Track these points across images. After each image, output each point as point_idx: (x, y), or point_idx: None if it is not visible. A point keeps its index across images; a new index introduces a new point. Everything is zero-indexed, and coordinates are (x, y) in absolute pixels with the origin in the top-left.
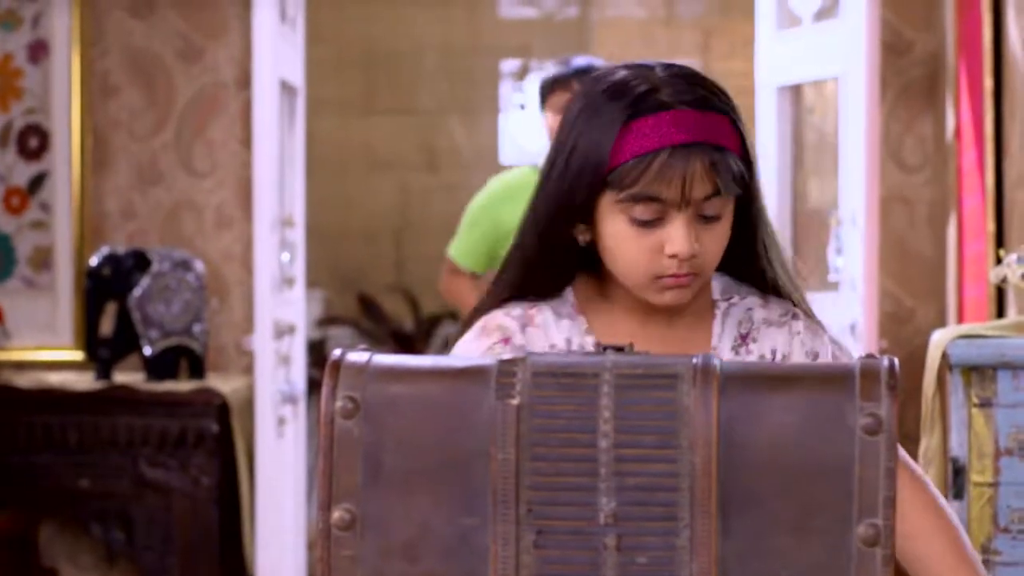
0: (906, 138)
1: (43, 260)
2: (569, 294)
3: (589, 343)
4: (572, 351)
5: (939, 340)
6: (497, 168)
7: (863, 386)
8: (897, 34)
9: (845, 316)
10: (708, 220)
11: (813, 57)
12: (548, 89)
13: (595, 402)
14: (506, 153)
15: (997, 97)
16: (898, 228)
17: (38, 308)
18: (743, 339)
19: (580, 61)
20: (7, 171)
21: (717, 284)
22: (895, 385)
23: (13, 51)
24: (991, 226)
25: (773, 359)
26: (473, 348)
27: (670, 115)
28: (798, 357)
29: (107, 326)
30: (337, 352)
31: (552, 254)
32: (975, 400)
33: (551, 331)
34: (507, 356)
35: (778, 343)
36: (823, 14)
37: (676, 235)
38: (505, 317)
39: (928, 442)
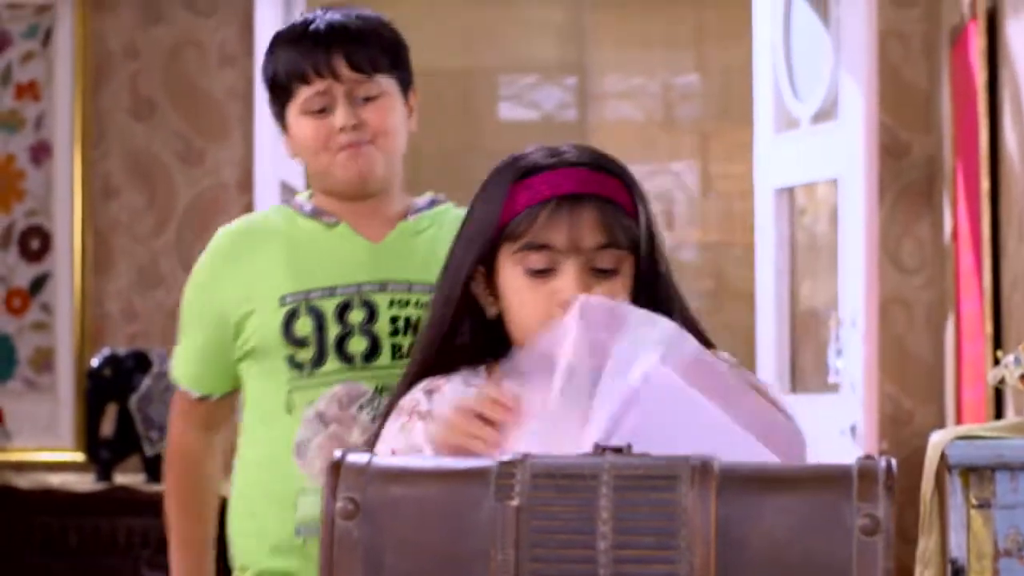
0: (904, 240)
1: (44, 361)
2: (482, 368)
3: None
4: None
5: (937, 441)
6: None
7: (860, 487)
8: (895, 137)
9: (845, 418)
10: (603, 273)
11: (811, 159)
12: (299, 78)
13: (594, 503)
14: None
15: (994, 199)
16: (897, 330)
17: (39, 409)
18: None
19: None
20: (9, 272)
21: None
22: (892, 486)
23: (15, 152)
24: (989, 327)
25: None
26: (391, 429)
27: (562, 172)
28: None
29: (108, 427)
30: (338, 453)
31: (459, 323)
32: (974, 501)
33: (457, 395)
34: (417, 429)
35: None
36: (821, 117)
37: (566, 282)
38: (412, 393)
39: (927, 543)
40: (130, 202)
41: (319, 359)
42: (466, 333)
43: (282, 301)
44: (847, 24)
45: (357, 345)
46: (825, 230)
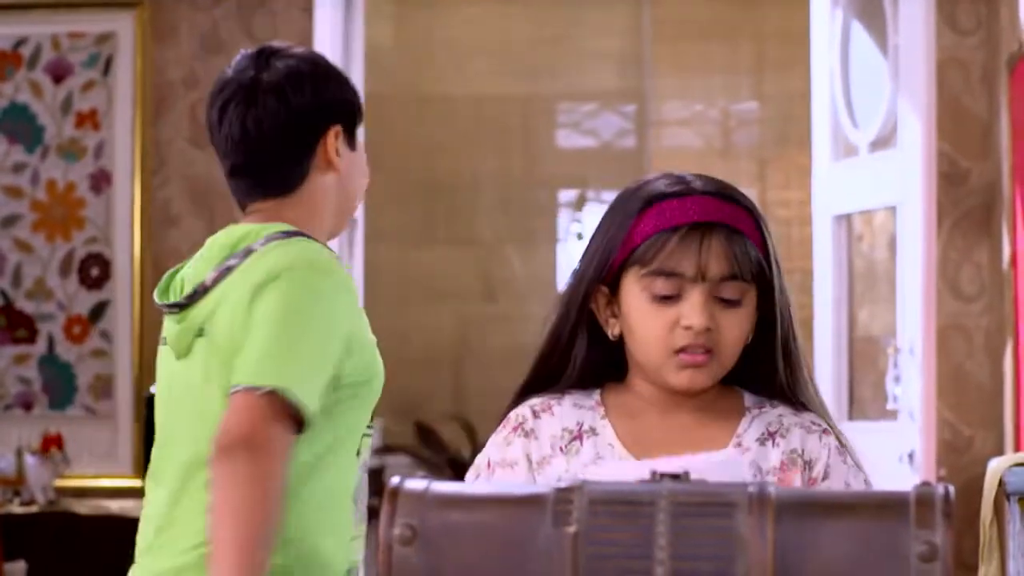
0: (963, 267)
1: (103, 388)
2: (596, 393)
3: (602, 426)
4: (622, 482)
5: (996, 468)
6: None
7: (918, 514)
8: (953, 164)
9: (903, 445)
10: (727, 304)
11: (869, 187)
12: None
13: (651, 530)
14: (564, 283)
15: None
16: (955, 357)
17: (98, 436)
18: (771, 435)
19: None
20: (68, 300)
21: (749, 397)
22: (950, 513)
23: (76, 181)
24: None
25: (801, 458)
26: (493, 441)
27: (691, 199)
28: (826, 464)
29: None
30: (395, 480)
31: (576, 341)
32: None
33: (565, 417)
34: (516, 444)
35: (808, 445)
36: (879, 144)
37: (692, 308)
38: (522, 407)
39: (986, 570)
40: (190, 230)
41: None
42: (582, 351)
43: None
44: (905, 52)
45: None
46: (883, 257)
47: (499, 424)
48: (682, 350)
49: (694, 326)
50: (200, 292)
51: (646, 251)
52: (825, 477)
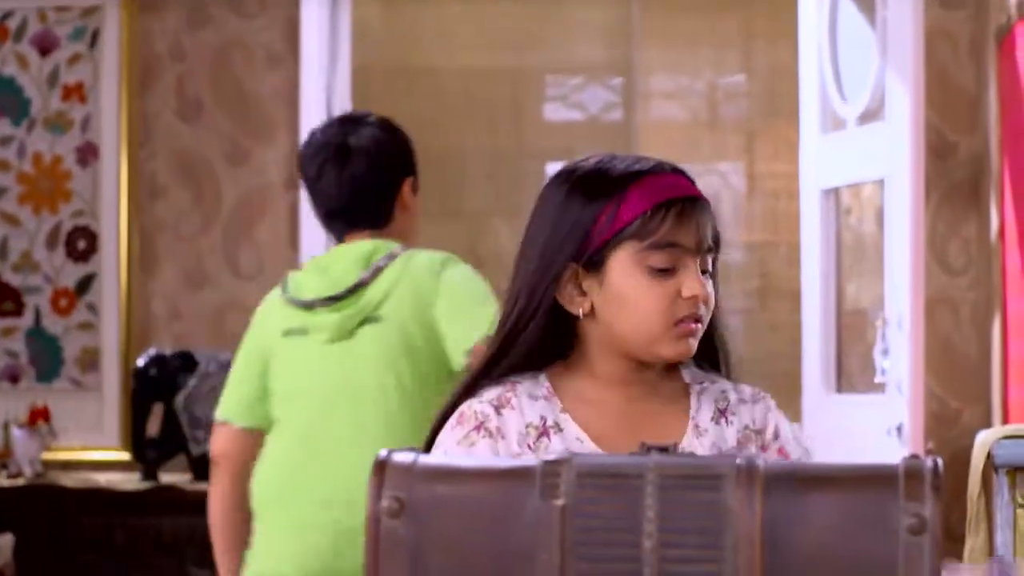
0: (951, 240)
1: (90, 361)
2: (543, 379)
3: (564, 420)
4: (606, 454)
5: (984, 440)
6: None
7: (907, 486)
8: (941, 136)
9: (891, 417)
10: (705, 274)
11: (857, 160)
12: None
13: (639, 502)
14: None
15: None
16: (943, 330)
17: (85, 409)
18: (722, 413)
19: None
20: (55, 273)
21: (686, 372)
22: (939, 485)
23: (62, 154)
24: None
25: (755, 432)
26: (450, 437)
27: (672, 176)
28: (775, 427)
29: (154, 427)
30: (383, 452)
31: (536, 325)
32: (1020, 500)
33: (526, 411)
34: (482, 445)
35: (755, 416)
36: (867, 117)
37: (693, 280)
38: (479, 403)
39: (974, 542)
40: (176, 202)
41: None
42: (538, 332)
43: None
44: (893, 24)
45: None
46: (871, 230)
47: (451, 416)
48: (680, 320)
49: (699, 296)
50: (358, 286)
51: (643, 226)
52: (776, 436)
